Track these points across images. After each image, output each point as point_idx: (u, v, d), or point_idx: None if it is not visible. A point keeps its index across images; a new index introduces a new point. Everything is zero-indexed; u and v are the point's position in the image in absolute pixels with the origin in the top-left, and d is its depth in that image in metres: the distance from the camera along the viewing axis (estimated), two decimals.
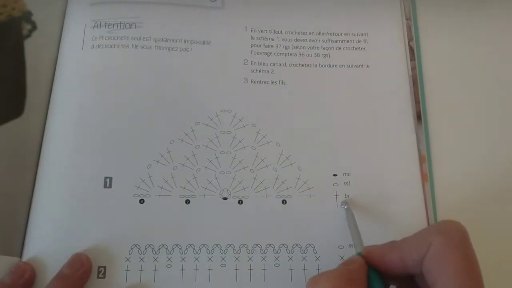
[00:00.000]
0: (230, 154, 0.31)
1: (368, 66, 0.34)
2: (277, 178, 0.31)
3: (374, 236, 0.29)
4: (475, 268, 0.21)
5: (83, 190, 0.30)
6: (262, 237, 0.29)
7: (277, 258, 0.29)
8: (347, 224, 0.29)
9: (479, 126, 0.34)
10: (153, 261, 0.29)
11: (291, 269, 0.29)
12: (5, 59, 0.33)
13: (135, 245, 0.29)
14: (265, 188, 0.31)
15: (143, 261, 0.28)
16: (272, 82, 0.33)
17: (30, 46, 0.33)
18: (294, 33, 0.35)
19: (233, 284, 0.28)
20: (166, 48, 0.34)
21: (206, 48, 0.34)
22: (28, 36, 0.34)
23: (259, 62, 0.34)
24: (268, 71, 0.34)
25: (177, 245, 0.29)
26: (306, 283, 0.22)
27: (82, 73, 0.32)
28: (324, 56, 0.34)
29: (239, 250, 0.29)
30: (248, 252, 0.29)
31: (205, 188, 0.30)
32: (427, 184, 0.31)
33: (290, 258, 0.29)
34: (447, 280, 0.20)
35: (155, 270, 0.28)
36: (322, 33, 0.35)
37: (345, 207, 0.30)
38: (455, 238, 0.21)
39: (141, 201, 0.30)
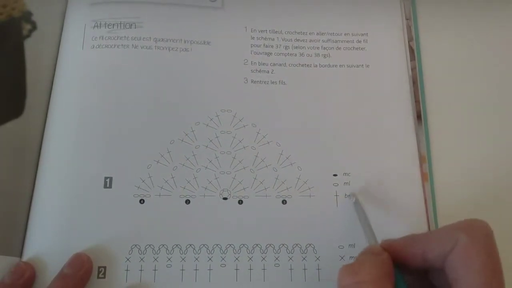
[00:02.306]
0: (230, 154, 0.31)
1: (368, 66, 0.34)
2: (277, 178, 0.31)
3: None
4: (498, 267, 0.21)
5: (83, 190, 0.30)
6: (262, 237, 0.29)
7: (277, 258, 0.29)
8: (357, 216, 0.28)
9: (479, 125, 0.34)
10: (153, 261, 0.29)
11: (291, 269, 0.29)
12: (5, 59, 0.33)
13: (135, 245, 0.29)
14: (265, 188, 0.31)
15: (143, 261, 0.29)
16: (272, 82, 0.33)
17: (30, 46, 0.33)
18: (294, 33, 0.35)
19: (233, 284, 0.28)
20: (166, 48, 0.34)
21: (206, 48, 0.34)
22: (28, 36, 0.34)
23: (259, 62, 0.34)
24: (268, 71, 0.34)
25: (177, 245, 0.29)
26: (340, 270, 0.22)
27: (82, 73, 0.32)
28: (324, 56, 0.34)
29: (239, 250, 0.29)
30: (248, 252, 0.29)
31: (205, 188, 0.30)
32: (427, 184, 0.31)
33: (290, 258, 0.29)
34: (471, 277, 0.20)
35: (155, 270, 0.28)
36: (322, 33, 0.35)
37: (353, 200, 0.30)
38: (481, 237, 0.21)
39: (141, 201, 0.30)
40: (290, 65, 0.34)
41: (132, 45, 0.33)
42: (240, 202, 0.30)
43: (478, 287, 0.20)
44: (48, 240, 0.29)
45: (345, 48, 0.35)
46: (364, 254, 0.24)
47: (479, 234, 0.21)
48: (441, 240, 0.22)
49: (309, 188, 0.31)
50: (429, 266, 0.23)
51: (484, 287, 0.20)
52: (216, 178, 0.31)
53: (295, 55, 0.34)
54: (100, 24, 0.34)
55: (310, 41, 0.35)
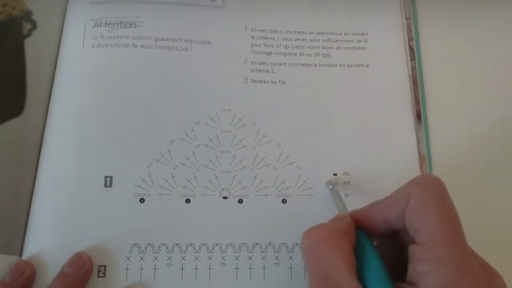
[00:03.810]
0: (230, 153, 0.31)
1: (368, 65, 0.34)
2: (277, 178, 0.31)
3: None
4: (454, 214, 0.22)
5: (83, 189, 0.30)
6: (262, 236, 0.30)
7: (277, 257, 0.29)
8: (333, 201, 0.29)
9: (479, 125, 0.34)
10: (153, 260, 0.29)
11: (291, 268, 0.29)
12: (5, 58, 0.33)
13: (135, 244, 0.29)
14: (265, 188, 0.31)
15: (143, 260, 0.29)
16: (272, 82, 0.33)
17: (30, 45, 0.33)
18: (294, 32, 0.35)
19: (233, 283, 0.28)
20: (166, 48, 0.34)
21: (206, 47, 0.34)
22: (28, 35, 0.34)
23: (259, 62, 0.34)
24: (268, 71, 0.34)
25: (177, 244, 0.29)
26: (303, 234, 0.23)
27: (82, 72, 0.32)
28: (324, 55, 0.35)
29: (239, 249, 0.29)
30: (248, 251, 0.29)
31: (205, 187, 0.30)
32: None
33: (290, 257, 0.29)
34: (428, 226, 0.21)
35: (155, 269, 0.28)
36: (322, 33, 0.35)
37: (330, 186, 0.30)
38: (432, 188, 0.22)
39: (142, 200, 0.30)
40: (290, 64, 0.34)
41: (132, 44, 0.33)
42: (240, 201, 0.30)
43: (436, 235, 0.21)
44: (48, 239, 0.29)
45: (345, 48, 0.35)
46: (328, 221, 0.25)
47: (430, 186, 0.22)
48: (396, 200, 0.23)
49: (309, 188, 0.31)
50: (393, 228, 0.23)
51: (441, 235, 0.21)
52: (216, 177, 0.31)
53: (295, 54, 0.34)
54: (101, 23, 0.34)
55: (310, 40, 0.35)
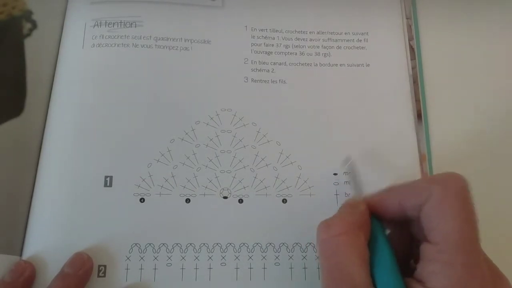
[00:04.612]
0: (231, 153, 0.31)
1: (368, 65, 0.34)
2: (277, 177, 0.31)
3: None
4: (472, 217, 0.21)
5: (83, 189, 0.30)
6: (263, 236, 0.29)
7: (277, 257, 0.29)
8: (350, 179, 0.29)
9: (480, 125, 0.34)
10: (153, 260, 0.29)
11: (291, 268, 0.29)
12: (5, 58, 0.33)
13: (135, 244, 0.29)
14: (266, 187, 0.31)
15: (143, 260, 0.28)
16: (273, 81, 0.33)
17: (31, 45, 0.33)
18: (294, 32, 0.35)
19: (233, 283, 0.28)
20: (166, 47, 0.34)
21: (207, 47, 0.34)
22: (29, 35, 0.34)
23: (259, 61, 0.34)
24: (268, 70, 0.34)
25: (177, 244, 0.29)
26: (318, 226, 0.23)
27: (83, 72, 0.32)
28: (325, 55, 0.34)
29: (239, 249, 0.29)
30: (249, 251, 0.29)
31: (206, 187, 0.30)
32: None
33: (291, 257, 0.29)
34: (444, 227, 0.21)
35: (155, 269, 0.28)
36: (323, 32, 0.35)
37: (348, 163, 0.30)
38: (455, 188, 0.22)
39: (142, 200, 0.30)
40: (291, 64, 0.34)
41: (133, 44, 0.33)
42: (240, 201, 0.30)
43: (450, 238, 0.21)
44: (48, 239, 0.29)
45: (345, 47, 0.35)
46: (342, 208, 0.25)
47: (453, 186, 0.22)
48: (416, 191, 0.23)
49: (309, 187, 0.31)
50: (406, 215, 0.23)
51: (456, 239, 0.21)
52: (216, 177, 0.31)
53: (296, 54, 0.34)
54: (101, 23, 0.34)
55: (311, 40, 0.35)
